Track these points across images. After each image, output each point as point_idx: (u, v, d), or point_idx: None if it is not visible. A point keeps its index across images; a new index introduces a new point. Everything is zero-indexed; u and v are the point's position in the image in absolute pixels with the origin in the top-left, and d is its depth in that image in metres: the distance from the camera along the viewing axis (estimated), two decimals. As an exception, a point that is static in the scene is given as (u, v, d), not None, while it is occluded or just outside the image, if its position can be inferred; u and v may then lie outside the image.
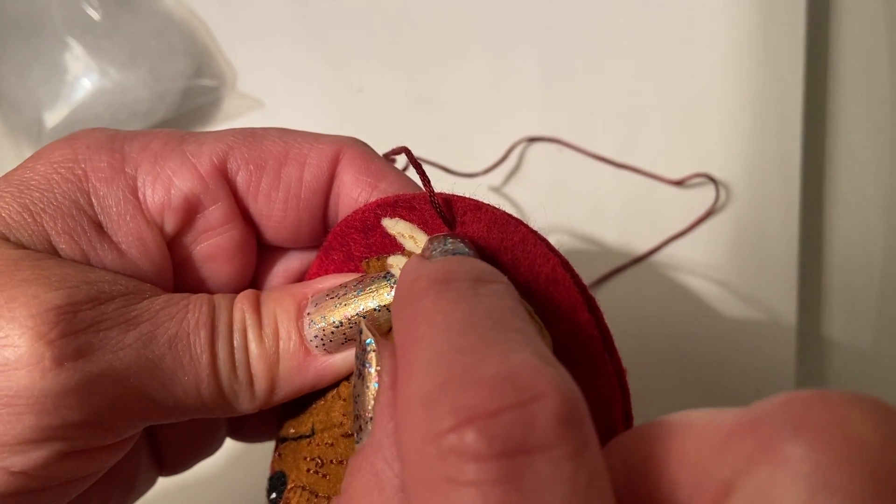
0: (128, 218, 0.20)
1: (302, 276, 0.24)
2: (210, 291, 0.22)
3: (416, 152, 0.23)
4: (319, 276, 0.22)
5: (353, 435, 0.18)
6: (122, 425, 0.19)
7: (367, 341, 0.16)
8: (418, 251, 0.19)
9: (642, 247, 0.40)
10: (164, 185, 0.20)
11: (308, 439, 0.21)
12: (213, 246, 0.21)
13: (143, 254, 0.20)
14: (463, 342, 0.13)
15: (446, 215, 0.19)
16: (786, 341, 0.39)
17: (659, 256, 0.40)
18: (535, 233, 0.19)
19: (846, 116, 0.43)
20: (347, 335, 0.19)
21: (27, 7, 0.39)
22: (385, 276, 0.19)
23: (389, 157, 0.22)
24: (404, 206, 0.20)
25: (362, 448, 0.16)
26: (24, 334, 0.17)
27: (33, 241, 0.19)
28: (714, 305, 0.40)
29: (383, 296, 0.19)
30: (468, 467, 0.12)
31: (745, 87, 0.42)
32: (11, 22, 0.39)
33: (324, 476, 0.20)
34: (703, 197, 0.40)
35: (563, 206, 0.41)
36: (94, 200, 0.19)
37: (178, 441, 0.25)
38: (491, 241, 0.19)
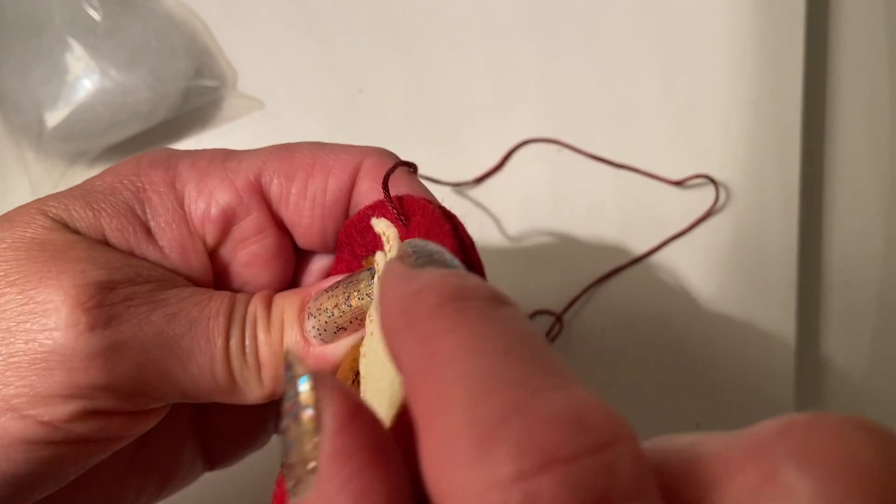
0: (173, 226, 0.22)
1: None
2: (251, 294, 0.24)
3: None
4: (333, 275, 0.24)
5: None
6: (142, 394, 0.21)
7: (302, 380, 0.13)
8: (391, 248, 0.20)
9: (642, 247, 0.40)
10: (206, 200, 0.23)
11: None
12: (249, 254, 0.24)
13: (183, 258, 0.23)
14: (508, 372, 0.11)
15: (401, 214, 0.21)
16: (785, 341, 0.39)
17: (658, 257, 0.40)
18: (452, 231, 0.20)
19: (846, 117, 0.43)
20: (339, 324, 0.22)
21: (28, 7, 0.39)
22: (368, 270, 0.21)
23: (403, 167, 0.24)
24: (383, 207, 0.22)
25: None
26: (65, 301, 0.19)
27: (90, 232, 0.21)
28: (713, 306, 0.40)
29: (362, 286, 0.21)
30: None
31: (745, 88, 0.42)
32: (12, 22, 0.39)
33: None
34: (703, 197, 0.40)
35: (562, 207, 0.41)
36: (147, 208, 0.22)
37: (227, 433, 0.27)
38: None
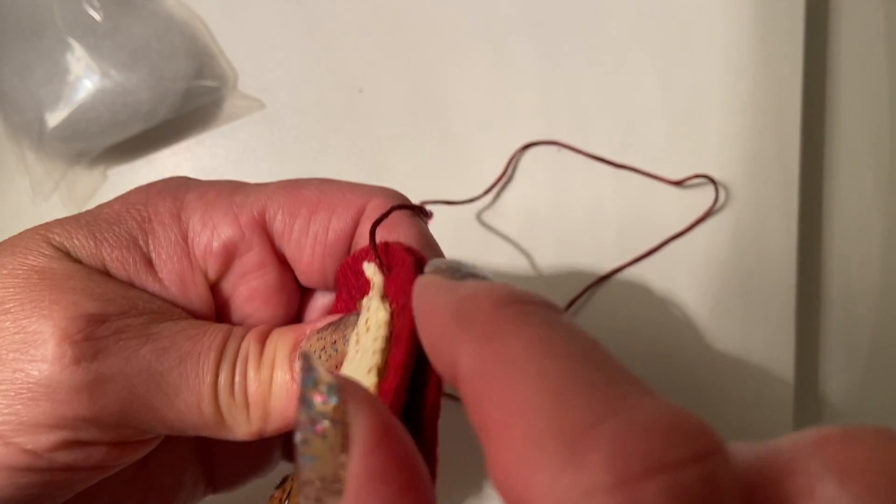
0: (174, 259, 0.22)
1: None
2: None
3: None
4: (334, 313, 0.24)
5: None
6: (127, 427, 0.20)
7: (328, 388, 0.12)
8: (372, 295, 0.20)
9: (641, 247, 0.40)
10: (209, 233, 0.23)
11: None
12: (251, 288, 0.24)
13: (182, 290, 0.22)
14: (587, 375, 0.11)
15: (385, 263, 0.21)
16: (784, 341, 0.39)
17: (658, 257, 0.40)
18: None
19: (845, 117, 0.43)
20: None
21: (29, 8, 0.39)
22: (356, 315, 0.21)
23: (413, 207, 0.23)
24: (368, 253, 0.22)
25: None
26: (54, 333, 0.19)
27: (91, 261, 0.21)
28: (712, 306, 0.40)
29: (349, 332, 0.21)
30: None
31: (745, 89, 0.42)
32: (13, 23, 0.39)
33: None
34: (703, 198, 0.40)
35: (562, 207, 0.41)
36: (150, 239, 0.22)
37: (230, 459, 0.27)
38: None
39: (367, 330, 0.19)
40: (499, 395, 0.11)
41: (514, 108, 0.43)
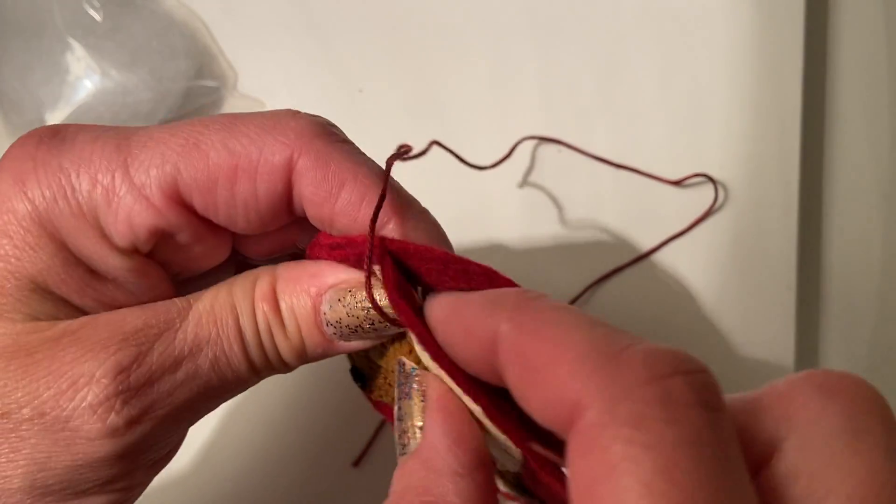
0: (108, 260, 0.20)
1: (284, 242, 0.24)
2: (196, 270, 0.23)
3: (416, 152, 0.23)
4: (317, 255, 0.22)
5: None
6: (180, 429, 0.22)
7: (412, 370, 0.20)
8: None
9: (641, 247, 0.40)
10: (126, 224, 0.20)
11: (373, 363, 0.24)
12: (186, 254, 0.22)
13: (139, 280, 0.21)
14: (607, 328, 0.15)
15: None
16: (784, 341, 0.39)
17: (658, 256, 0.40)
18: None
19: (845, 117, 0.43)
20: (357, 332, 0.21)
21: (29, 8, 0.39)
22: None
23: (402, 158, 0.21)
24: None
25: (417, 449, 0.18)
26: (90, 418, 0.19)
27: (57, 310, 0.20)
28: (713, 305, 0.40)
29: (348, 299, 0.21)
30: (682, 411, 0.13)
31: (744, 88, 0.42)
32: (13, 23, 0.39)
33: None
34: (702, 197, 0.40)
35: (562, 207, 0.41)
36: (75, 252, 0.20)
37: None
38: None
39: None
40: (541, 341, 0.15)
41: (514, 108, 0.43)
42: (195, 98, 0.41)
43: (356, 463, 0.38)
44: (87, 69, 0.38)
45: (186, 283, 0.23)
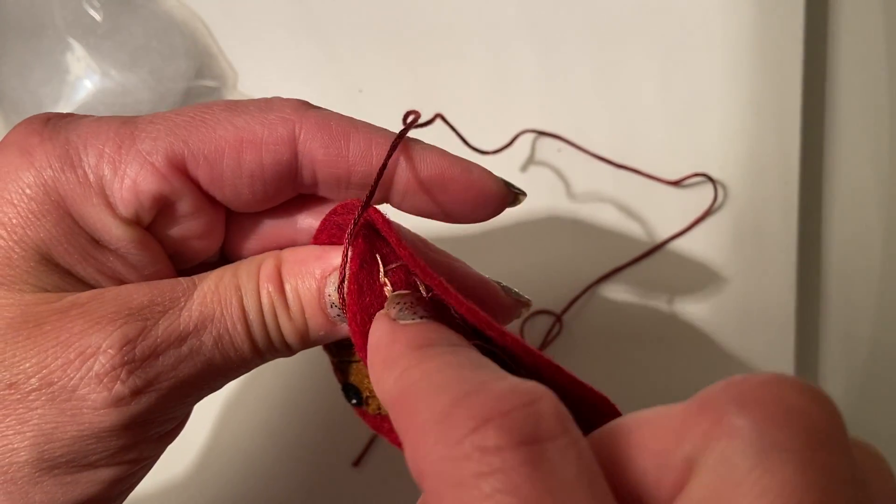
0: (112, 229, 0.21)
1: (279, 230, 0.25)
2: (191, 258, 0.24)
3: (423, 121, 0.24)
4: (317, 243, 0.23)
5: None
6: (184, 404, 0.22)
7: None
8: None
9: (642, 247, 0.40)
10: (131, 192, 0.21)
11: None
12: (185, 229, 0.23)
13: (140, 252, 0.22)
14: (460, 375, 0.15)
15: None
16: (784, 341, 0.39)
17: (657, 256, 0.40)
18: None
19: (845, 116, 0.43)
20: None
21: (29, 8, 0.39)
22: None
23: (413, 126, 0.23)
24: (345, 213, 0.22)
25: None
26: (97, 387, 0.19)
27: (62, 282, 0.21)
28: (713, 305, 0.40)
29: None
30: (493, 459, 0.13)
31: (744, 87, 0.42)
32: (13, 23, 0.39)
33: None
34: (702, 197, 0.40)
35: (562, 206, 0.41)
36: (79, 221, 0.21)
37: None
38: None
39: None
40: (403, 409, 0.16)
41: (513, 109, 0.43)
42: (195, 98, 0.41)
43: (356, 463, 0.38)
44: (87, 69, 0.38)
45: (181, 275, 0.24)
